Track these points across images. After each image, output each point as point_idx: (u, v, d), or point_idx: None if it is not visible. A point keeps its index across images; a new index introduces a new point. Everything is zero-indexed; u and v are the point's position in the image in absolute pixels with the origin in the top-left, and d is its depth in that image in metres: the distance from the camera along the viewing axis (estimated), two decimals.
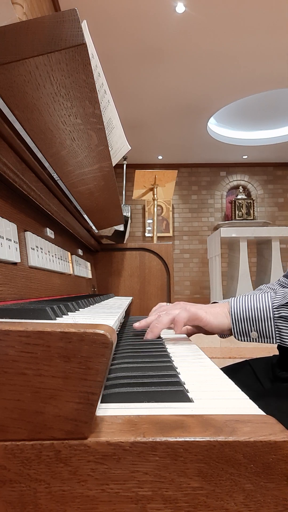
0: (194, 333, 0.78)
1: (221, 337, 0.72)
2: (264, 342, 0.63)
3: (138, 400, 0.34)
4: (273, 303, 0.63)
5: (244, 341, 0.64)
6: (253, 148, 6.03)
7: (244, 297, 0.66)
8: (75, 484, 0.26)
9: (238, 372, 0.84)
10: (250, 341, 0.64)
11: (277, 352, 0.84)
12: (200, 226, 6.77)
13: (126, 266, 1.55)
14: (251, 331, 0.63)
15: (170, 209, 6.72)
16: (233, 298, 0.67)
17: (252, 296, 0.65)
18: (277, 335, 0.62)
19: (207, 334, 0.74)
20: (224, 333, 0.68)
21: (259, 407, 0.33)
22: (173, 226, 6.74)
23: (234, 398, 0.36)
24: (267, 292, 0.66)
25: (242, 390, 0.40)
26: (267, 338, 0.62)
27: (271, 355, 0.87)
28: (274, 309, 0.62)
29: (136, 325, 0.72)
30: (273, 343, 0.62)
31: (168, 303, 0.85)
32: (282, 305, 0.62)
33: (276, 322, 0.61)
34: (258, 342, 0.63)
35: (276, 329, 0.62)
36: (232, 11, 3.21)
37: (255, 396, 0.77)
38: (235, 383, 0.45)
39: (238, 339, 0.65)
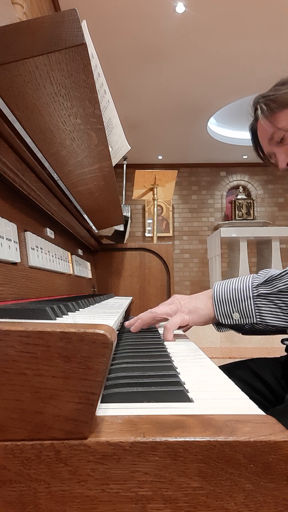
0: (188, 328, 0.80)
1: (218, 330, 0.73)
2: (247, 323, 0.64)
3: (138, 400, 0.34)
4: (253, 283, 0.64)
5: (227, 323, 0.66)
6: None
7: (227, 281, 0.68)
8: (75, 484, 0.26)
9: (239, 369, 0.85)
10: (233, 322, 0.65)
11: (283, 353, 0.84)
12: (200, 226, 6.77)
13: (126, 266, 1.55)
14: (233, 312, 0.64)
15: (170, 209, 6.72)
16: (218, 282, 0.69)
17: (234, 279, 0.67)
18: (257, 313, 0.63)
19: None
20: (213, 322, 0.70)
21: (262, 406, 0.33)
22: (173, 226, 6.74)
23: (234, 398, 0.36)
24: (251, 275, 0.68)
25: (242, 387, 0.40)
26: (248, 318, 0.64)
27: (276, 356, 0.87)
28: (254, 288, 0.63)
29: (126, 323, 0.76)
30: (254, 322, 0.63)
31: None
32: (261, 283, 0.63)
33: (255, 301, 0.63)
34: (241, 323, 0.64)
35: (256, 308, 0.63)
36: (232, 11, 3.21)
37: (256, 395, 0.77)
38: (236, 380, 0.45)
39: (221, 322, 0.66)
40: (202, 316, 0.67)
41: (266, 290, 0.62)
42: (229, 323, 0.65)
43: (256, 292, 0.63)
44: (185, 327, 0.80)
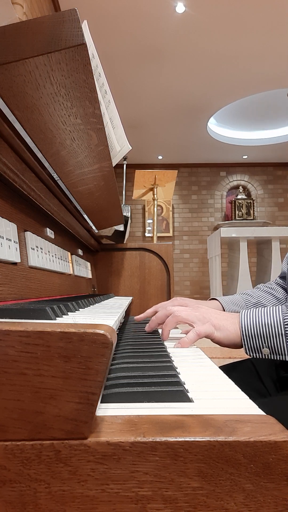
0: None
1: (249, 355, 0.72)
2: (277, 359, 0.62)
3: (138, 400, 0.34)
4: (284, 319, 0.61)
5: (256, 357, 0.63)
6: (253, 148, 6.03)
7: (254, 312, 0.64)
8: (75, 484, 0.26)
9: (239, 368, 0.84)
10: (262, 357, 0.62)
11: None
12: (200, 226, 6.77)
13: (126, 266, 1.55)
14: (263, 348, 0.62)
15: (170, 209, 6.72)
16: (243, 311, 0.65)
17: (262, 310, 0.64)
18: None
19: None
20: (231, 348, 0.67)
21: (260, 405, 0.33)
22: (173, 226, 6.74)
23: (234, 398, 0.36)
24: (278, 305, 0.65)
25: (243, 386, 0.39)
26: (279, 355, 0.61)
27: None
28: (286, 325, 0.61)
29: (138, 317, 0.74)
30: (285, 359, 0.61)
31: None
32: None
33: None
34: (271, 358, 0.62)
35: None
36: (232, 11, 3.21)
37: (256, 395, 0.77)
38: (237, 379, 0.44)
39: (250, 356, 0.63)
40: (230, 340, 0.64)
41: None
42: (257, 356, 0.63)
43: None
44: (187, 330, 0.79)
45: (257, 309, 0.65)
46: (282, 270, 0.96)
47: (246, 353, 0.63)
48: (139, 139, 5.72)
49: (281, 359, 0.61)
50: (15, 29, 0.41)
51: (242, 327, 0.63)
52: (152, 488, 0.26)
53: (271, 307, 0.64)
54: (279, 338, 0.60)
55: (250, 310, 0.65)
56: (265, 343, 0.61)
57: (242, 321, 0.64)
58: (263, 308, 0.65)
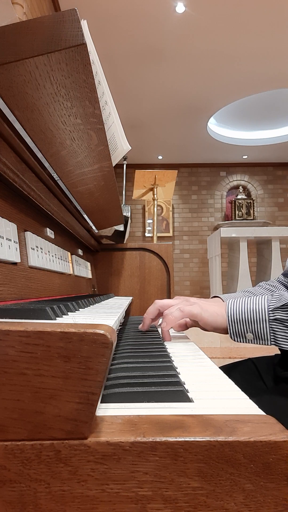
0: (192, 326, 0.79)
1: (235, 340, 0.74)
2: (260, 344, 0.64)
3: (138, 400, 0.34)
4: (269, 306, 0.64)
5: (240, 342, 0.66)
6: (253, 148, 6.03)
7: (241, 299, 0.67)
8: (75, 484, 0.26)
9: (240, 368, 0.85)
10: (246, 342, 0.65)
11: (278, 352, 0.84)
12: (200, 226, 6.77)
13: (126, 266, 1.55)
14: (247, 333, 0.64)
15: (170, 209, 6.72)
16: (231, 299, 0.68)
17: (249, 298, 0.67)
18: (271, 337, 0.63)
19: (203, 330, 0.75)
20: (218, 332, 0.70)
21: (260, 405, 0.33)
22: (173, 226, 6.74)
23: (234, 398, 0.36)
24: (265, 295, 0.67)
25: (244, 386, 0.39)
26: (262, 340, 0.63)
27: (273, 354, 0.87)
28: (270, 312, 0.63)
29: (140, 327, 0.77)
30: (268, 344, 0.63)
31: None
32: (278, 307, 0.63)
33: (271, 325, 0.63)
34: (254, 343, 0.65)
35: (271, 331, 0.63)
36: (232, 11, 3.21)
37: (256, 394, 0.77)
38: (237, 379, 0.45)
39: (234, 340, 0.66)
40: (217, 323, 0.67)
41: (284, 316, 0.62)
42: (241, 341, 0.65)
43: (273, 316, 0.63)
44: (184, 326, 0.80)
45: (244, 297, 0.68)
46: (286, 267, 0.96)
47: (231, 337, 0.66)
48: (139, 139, 5.72)
49: (263, 344, 0.64)
50: (15, 29, 0.41)
51: (228, 312, 0.66)
52: (152, 488, 0.26)
53: (258, 296, 0.67)
54: (262, 323, 0.63)
55: (237, 298, 0.68)
56: (249, 327, 0.64)
57: (229, 306, 0.67)
58: (250, 297, 0.67)
